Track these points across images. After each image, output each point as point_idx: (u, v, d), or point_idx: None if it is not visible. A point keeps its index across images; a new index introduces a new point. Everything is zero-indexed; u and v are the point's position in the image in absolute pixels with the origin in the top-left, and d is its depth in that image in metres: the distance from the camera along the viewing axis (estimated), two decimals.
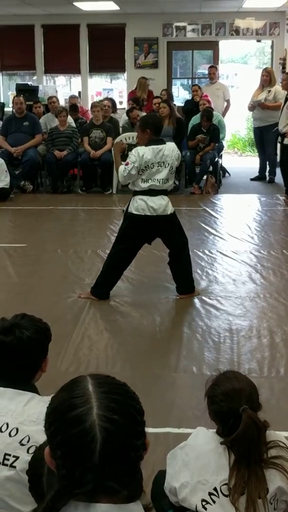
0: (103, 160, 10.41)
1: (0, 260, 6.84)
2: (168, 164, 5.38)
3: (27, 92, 12.33)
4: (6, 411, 2.28)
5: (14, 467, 2.19)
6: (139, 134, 5.56)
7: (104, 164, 10.44)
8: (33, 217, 9.04)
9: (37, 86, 13.28)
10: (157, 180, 5.41)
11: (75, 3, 11.75)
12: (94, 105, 10.87)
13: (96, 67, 14.14)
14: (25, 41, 13.92)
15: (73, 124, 11.06)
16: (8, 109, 12.72)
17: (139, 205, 5.42)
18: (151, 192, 5.41)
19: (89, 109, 11.66)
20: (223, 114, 12.15)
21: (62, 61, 14.05)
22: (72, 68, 14.16)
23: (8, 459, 2.20)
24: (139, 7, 12.35)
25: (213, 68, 12.58)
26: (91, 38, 13.83)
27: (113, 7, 12.19)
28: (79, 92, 13.89)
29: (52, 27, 13.77)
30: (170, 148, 5.43)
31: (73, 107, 11.91)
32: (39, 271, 6.51)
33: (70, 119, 11.03)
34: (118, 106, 12.67)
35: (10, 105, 12.27)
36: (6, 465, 2.20)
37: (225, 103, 12.43)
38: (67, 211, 9.44)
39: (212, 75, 12.43)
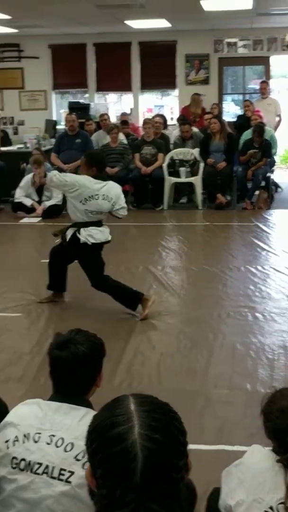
0: (154, 176, 10.45)
1: None
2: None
3: (79, 109, 12.48)
4: (61, 426, 2.29)
5: (70, 482, 2.19)
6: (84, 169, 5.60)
7: (155, 180, 10.47)
8: None
9: (89, 104, 13.43)
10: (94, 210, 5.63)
11: (127, 22, 11.86)
12: (145, 122, 10.94)
13: (147, 84, 14.22)
14: (77, 59, 14.10)
15: (125, 141, 11.13)
16: (61, 126, 12.89)
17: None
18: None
19: (140, 125, 11.73)
20: (275, 129, 12.07)
21: (114, 79, 14.17)
22: (123, 85, 14.28)
23: (63, 474, 2.20)
24: (190, 23, 12.40)
25: (265, 83, 12.54)
26: (143, 55, 13.93)
27: (165, 24, 12.27)
28: (131, 109, 13.99)
29: (104, 46, 13.92)
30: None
31: (124, 122, 12.04)
32: (90, 287, 6.53)
33: (121, 136, 11.11)
34: (169, 122, 12.72)
35: (63, 122, 12.44)
36: (62, 480, 2.21)
37: (277, 118, 12.36)
38: (118, 227, 9.42)
39: (264, 90, 12.38)
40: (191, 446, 3.58)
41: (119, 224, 9.46)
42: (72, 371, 2.39)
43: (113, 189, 5.57)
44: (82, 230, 5.56)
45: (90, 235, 5.56)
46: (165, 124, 11.97)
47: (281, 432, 2.21)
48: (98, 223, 5.64)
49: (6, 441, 2.34)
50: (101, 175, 5.64)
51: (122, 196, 5.70)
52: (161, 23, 12.14)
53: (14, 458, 2.30)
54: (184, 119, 11.76)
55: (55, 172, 5.94)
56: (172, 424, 1.27)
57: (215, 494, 2.59)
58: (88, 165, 5.57)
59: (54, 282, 6.00)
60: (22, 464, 2.28)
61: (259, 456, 2.33)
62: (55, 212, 9.91)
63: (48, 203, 9.96)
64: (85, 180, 5.51)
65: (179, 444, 1.26)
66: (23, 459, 2.28)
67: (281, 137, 12.69)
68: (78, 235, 5.55)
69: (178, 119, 12.21)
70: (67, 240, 5.63)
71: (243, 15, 11.31)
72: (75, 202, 5.53)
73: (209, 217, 9.76)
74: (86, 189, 5.44)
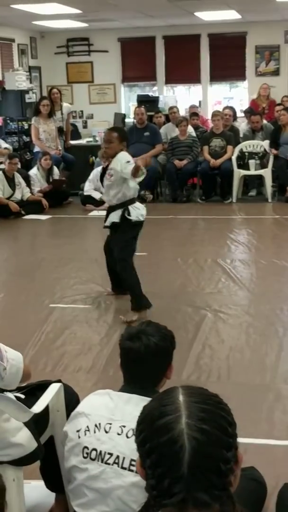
0: (223, 169, 10.37)
1: None
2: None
3: (147, 102, 12.49)
4: (132, 417, 2.28)
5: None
6: (115, 144, 5.45)
7: (224, 173, 10.40)
8: (152, 226, 9.08)
9: (158, 97, 13.43)
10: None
11: (196, 13, 11.80)
12: (214, 114, 10.87)
13: (216, 76, 14.13)
14: (146, 52, 14.13)
15: (193, 134, 11.09)
16: (129, 120, 12.94)
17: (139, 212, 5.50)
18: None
19: (209, 118, 11.66)
20: None
21: (183, 71, 14.14)
22: (192, 77, 14.23)
23: (134, 465, 2.21)
24: (260, 15, 12.25)
25: None
26: (212, 47, 13.85)
27: (235, 16, 12.15)
28: (199, 102, 13.93)
29: (173, 38, 13.90)
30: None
31: (194, 113, 12.03)
32: (159, 279, 6.55)
33: (190, 129, 11.07)
34: (239, 114, 12.60)
35: (131, 116, 12.49)
36: (132, 471, 2.22)
37: None
38: (186, 220, 9.46)
39: None
40: (261, 441, 3.56)
41: (188, 217, 9.50)
42: (143, 362, 2.40)
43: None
44: (132, 208, 5.49)
45: (142, 213, 5.51)
46: (234, 116, 11.87)
47: None
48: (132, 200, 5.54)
49: (78, 431, 2.36)
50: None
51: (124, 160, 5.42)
52: (231, 15, 12.03)
53: (85, 447, 2.32)
54: (251, 111, 11.62)
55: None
56: (220, 415, 1.26)
57: (285, 490, 2.56)
58: (120, 140, 5.50)
59: (116, 282, 5.93)
60: (93, 454, 2.30)
61: None
62: None
63: None
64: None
65: (227, 435, 1.24)
66: (94, 449, 2.31)
67: None
68: (127, 216, 5.45)
69: (245, 112, 12.10)
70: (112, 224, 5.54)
71: None
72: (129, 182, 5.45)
73: (279, 210, 9.63)
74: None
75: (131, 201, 5.53)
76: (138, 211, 5.50)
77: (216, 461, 1.21)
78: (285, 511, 2.53)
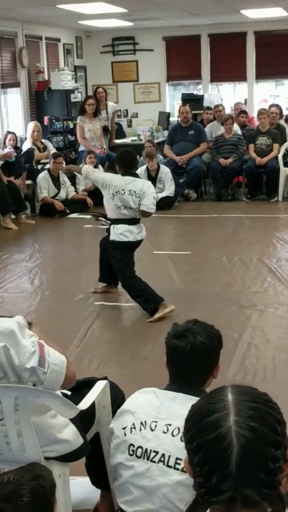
0: (269, 167, 10.28)
1: (165, 267, 6.94)
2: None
3: (192, 101, 12.47)
4: (178, 416, 2.29)
5: (185, 471, 2.19)
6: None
7: (270, 171, 10.31)
8: (197, 225, 9.11)
9: (202, 95, 13.39)
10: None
11: (242, 11, 11.72)
12: (260, 112, 10.78)
13: (262, 74, 14.02)
14: (191, 51, 14.07)
15: (239, 132, 11.03)
16: (174, 118, 12.93)
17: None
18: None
19: (255, 116, 11.58)
20: None
21: (228, 69, 14.05)
22: (237, 75, 14.14)
23: (179, 464, 2.21)
24: None
25: None
26: (258, 45, 13.74)
27: (281, 13, 12.02)
28: (245, 99, 13.84)
29: (219, 36, 13.82)
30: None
31: (242, 111, 12.01)
32: (203, 278, 6.53)
33: (236, 127, 11.01)
34: (285, 112, 12.47)
35: (176, 114, 12.47)
36: (178, 469, 2.21)
37: None
38: (231, 218, 9.41)
39: None
40: None
41: (232, 216, 9.44)
42: (189, 361, 2.39)
43: (139, 185, 5.50)
44: (112, 227, 5.56)
45: (121, 233, 5.52)
46: (281, 114, 11.77)
47: None
48: (130, 221, 5.54)
49: (124, 428, 2.37)
50: (131, 172, 5.66)
51: (151, 194, 5.55)
52: (278, 12, 11.90)
53: (131, 445, 2.33)
54: None
55: (90, 168, 6.08)
56: (269, 413, 1.25)
57: None
58: (116, 163, 5.74)
59: (105, 274, 6.01)
60: (139, 452, 2.30)
61: None
62: (167, 203, 9.95)
63: (160, 195, 9.97)
64: (114, 177, 5.63)
65: (276, 434, 1.23)
66: (140, 447, 2.31)
67: None
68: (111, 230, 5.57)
69: None
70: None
71: None
72: (107, 198, 5.55)
73: None
74: (114, 185, 5.47)
75: (113, 221, 5.56)
76: (116, 231, 5.52)
77: (264, 459, 1.20)
78: None
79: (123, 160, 5.69)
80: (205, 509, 1.26)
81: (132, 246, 5.62)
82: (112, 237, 5.56)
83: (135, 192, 5.45)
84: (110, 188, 5.48)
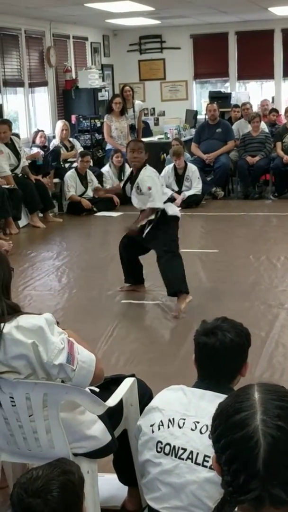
0: None
1: (193, 265, 6.91)
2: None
3: (219, 99, 12.45)
4: (206, 413, 2.29)
5: (213, 469, 2.19)
6: (141, 155, 5.65)
7: None
8: (224, 223, 9.08)
9: (230, 93, 13.35)
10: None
11: (270, 9, 11.66)
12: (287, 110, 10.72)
13: None
14: (219, 48, 14.05)
15: (266, 130, 10.97)
16: (201, 116, 12.90)
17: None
18: None
19: (283, 114, 11.51)
20: None
21: (255, 67, 13.99)
22: (265, 73, 14.07)
23: (207, 461, 2.21)
24: None
25: None
26: (285, 42, 13.67)
27: None
28: (272, 97, 13.77)
29: (246, 34, 13.78)
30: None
31: (273, 109, 12.07)
32: (231, 277, 6.52)
33: (263, 125, 10.96)
34: None
35: (203, 112, 12.45)
36: (206, 466, 2.21)
37: None
38: (258, 217, 9.36)
39: None
40: None
41: (260, 214, 9.39)
42: (218, 358, 2.39)
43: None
44: (168, 205, 5.77)
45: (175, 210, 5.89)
46: None
47: None
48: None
49: (151, 425, 2.37)
50: None
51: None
52: None
53: (159, 442, 2.33)
54: None
55: None
56: None
57: None
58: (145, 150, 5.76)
59: (129, 274, 6.05)
60: (167, 449, 2.31)
61: None
62: (194, 202, 9.95)
63: (187, 193, 10.00)
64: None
65: None
66: (168, 444, 2.31)
67: None
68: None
69: None
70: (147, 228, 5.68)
71: None
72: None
73: None
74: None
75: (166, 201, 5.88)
76: (174, 208, 5.97)
77: None
78: None
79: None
80: (233, 507, 1.26)
81: None
82: (172, 213, 5.70)
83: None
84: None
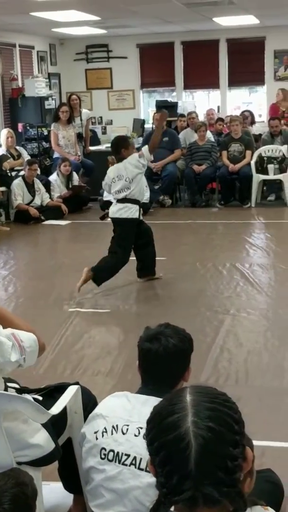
0: (242, 173, 10.37)
1: None
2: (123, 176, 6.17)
3: (166, 108, 12.50)
4: None
5: None
6: (126, 151, 6.24)
7: (243, 178, 10.40)
8: (171, 231, 9.15)
9: (176, 102, 13.47)
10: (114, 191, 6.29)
11: (215, 19, 11.82)
12: (233, 119, 10.87)
13: (235, 81, 14.15)
14: (165, 58, 14.17)
15: (212, 139, 11.11)
16: (148, 125, 12.98)
17: None
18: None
19: (228, 123, 11.66)
20: None
21: (201, 76, 14.16)
22: (211, 82, 14.25)
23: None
24: (279, 19, 12.22)
25: None
26: (231, 52, 13.87)
27: (253, 21, 12.16)
28: (218, 107, 13.95)
29: (192, 43, 13.93)
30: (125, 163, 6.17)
31: (220, 119, 12.24)
32: (178, 284, 6.57)
33: (209, 134, 11.09)
34: (257, 119, 12.61)
35: (150, 121, 12.53)
36: (149, 472, 2.23)
37: None
38: (205, 225, 9.46)
39: None
40: (279, 444, 3.56)
41: (206, 222, 9.50)
42: (161, 363, 2.41)
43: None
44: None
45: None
46: (252, 121, 11.92)
47: None
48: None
49: (95, 432, 2.38)
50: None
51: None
52: (249, 20, 12.04)
53: (103, 448, 2.34)
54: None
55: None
56: (226, 413, 1.28)
57: None
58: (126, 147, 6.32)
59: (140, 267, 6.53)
60: (111, 455, 2.32)
61: None
62: (143, 210, 9.96)
63: None
64: None
65: (234, 433, 1.26)
66: (111, 450, 2.33)
67: None
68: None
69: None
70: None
71: None
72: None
73: None
74: None
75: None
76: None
77: (222, 458, 1.23)
78: None
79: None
80: (168, 508, 1.28)
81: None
82: (126, 216, 6.25)
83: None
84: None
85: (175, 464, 1.24)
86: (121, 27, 12.49)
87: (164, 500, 1.28)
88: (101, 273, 6.14)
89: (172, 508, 1.29)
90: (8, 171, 10.27)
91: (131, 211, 6.21)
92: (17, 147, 10.93)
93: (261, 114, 13.57)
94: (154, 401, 2.34)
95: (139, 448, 2.27)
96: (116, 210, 6.26)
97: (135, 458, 2.28)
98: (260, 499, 2.18)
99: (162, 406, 1.33)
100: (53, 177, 10.56)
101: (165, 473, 1.25)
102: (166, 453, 1.26)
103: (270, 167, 10.48)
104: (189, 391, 1.32)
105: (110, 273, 6.21)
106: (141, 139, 12.16)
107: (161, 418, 1.29)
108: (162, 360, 2.42)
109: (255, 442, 3.20)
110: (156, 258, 7.41)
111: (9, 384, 2.56)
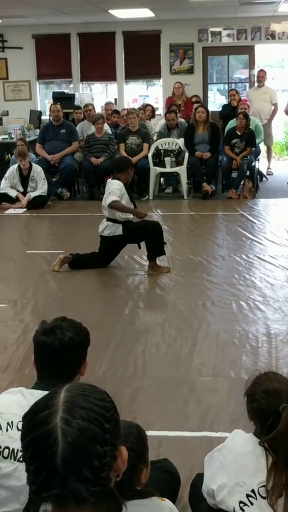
0: (139, 166, 10.43)
1: (39, 266, 6.91)
2: None
3: (63, 100, 12.46)
4: None
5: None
6: (124, 175, 6.87)
7: (140, 170, 10.46)
8: (70, 223, 9.11)
9: (74, 94, 13.41)
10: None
11: (111, 11, 11.83)
12: (130, 112, 10.92)
13: (132, 74, 14.22)
14: (62, 49, 14.07)
15: (109, 131, 11.13)
16: (45, 117, 12.86)
17: None
18: None
19: (125, 115, 11.72)
20: (271, 118, 12.17)
21: (98, 69, 14.16)
22: (108, 75, 14.27)
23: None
24: (174, 13, 12.39)
25: (262, 71, 12.41)
26: (127, 45, 13.92)
27: (149, 14, 12.25)
28: (115, 99, 13.98)
29: (88, 35, 13.89)
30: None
31: (116, 111, 12.22)
32: (75, 278, 6.56)
33: (106, 127, 11.10)
34: (158, 112, 12.75)
35: (47, 113, 12.42)
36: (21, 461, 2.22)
37: (272, 107, 12.30)
38: (103, 217, 9.44)
39: (261, 79, 12.21)
40: (175, 433, 3.62)
41: (103, 215, 9.48)
42: (57, 356, 2.41)
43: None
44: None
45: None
46: (153, 114, 12.06)
47: (265, 412, 2.24)
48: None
49: None
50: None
51: (112, 189, 6.88)
52: (145, 13, 12.12)
53: None
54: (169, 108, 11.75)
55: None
56: (97, 411, 1.27)
57: (198, 479, 2.62)
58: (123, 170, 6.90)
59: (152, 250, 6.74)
60: (6, 452, 2.30)
61: (240, 440, 2.36)
62: (40, 203, 9.92)
63: (33, 194, 9.95)
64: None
65: (103, 431, 1.25)
66: (6, 447, 2.30)
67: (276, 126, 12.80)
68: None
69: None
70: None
71: (227, 4, 11.32)
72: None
73: (194, 207, 9.78)
74: None
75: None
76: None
77: (89, 456, 1.22)
78: (196, 499, 2.60)
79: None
80: (38, 506, 1.26)
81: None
82: (108, 233, 6.95)
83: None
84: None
85: (43, 460, 1.22)
86: (16, 17, 12.28)
87: (34, 498, 1.25)
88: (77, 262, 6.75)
89: (46, 507, 1.28)
90: None
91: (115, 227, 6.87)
92: None
93: (158, 108, 13.70)
94: (39, 395, 2.32)
95: None
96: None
97: None
98: (157, 488, 2.23)
99: (38, 402, 1.31)
100: None
101: (33, 470, 1.23)
102: (34, 448, 1.24)
103: (167, 160, 10.61)
104: (66, 388, 1.31)
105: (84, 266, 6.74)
106: (37, 130, 12.04)
107: (34, 413, 1.28)
108: (58, 354, 2.41)
109: (152, 432, 3.26)
110: (54, 251, 7.42)
111: None
